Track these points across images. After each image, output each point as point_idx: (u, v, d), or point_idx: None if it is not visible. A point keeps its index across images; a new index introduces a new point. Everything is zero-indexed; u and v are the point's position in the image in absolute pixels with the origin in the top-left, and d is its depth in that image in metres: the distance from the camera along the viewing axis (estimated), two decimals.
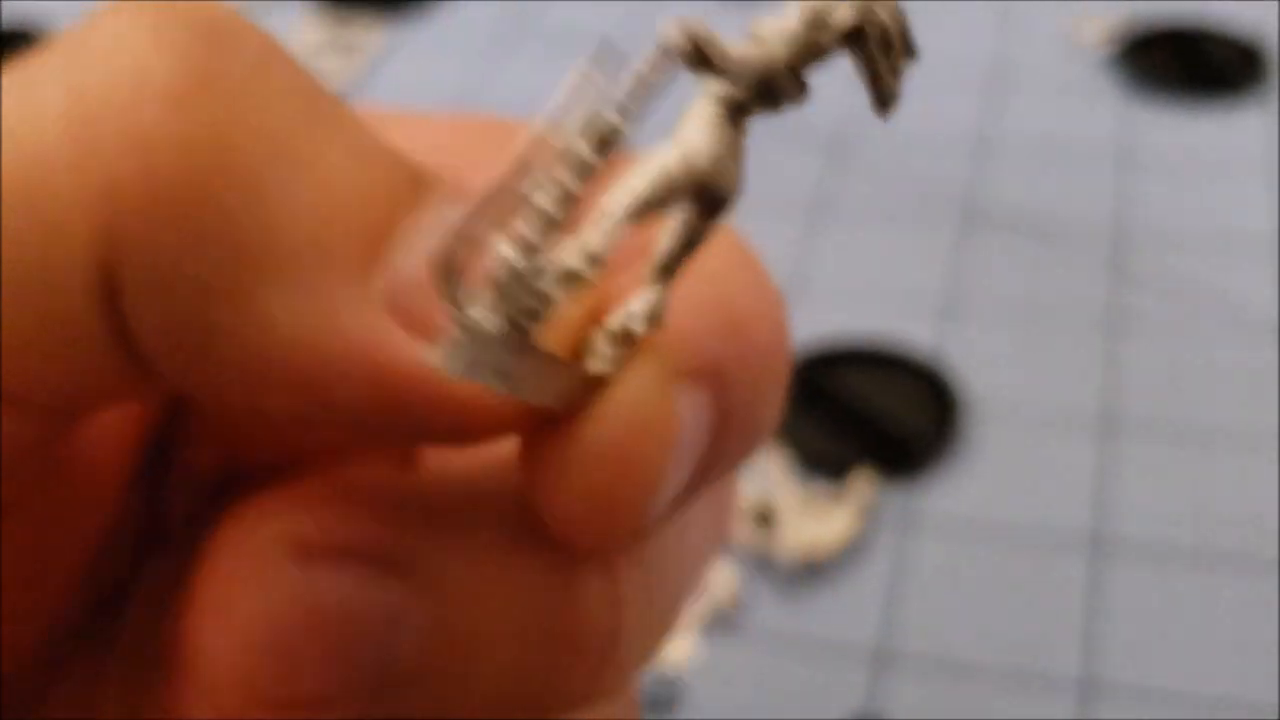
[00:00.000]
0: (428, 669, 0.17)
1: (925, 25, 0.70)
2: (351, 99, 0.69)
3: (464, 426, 0.17)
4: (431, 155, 0.19)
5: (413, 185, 0.17)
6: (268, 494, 0.17)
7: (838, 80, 0.63)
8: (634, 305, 0.17)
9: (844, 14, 0.16)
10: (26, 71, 0.15)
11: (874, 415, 0.49)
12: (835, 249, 0.57)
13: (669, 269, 0.17)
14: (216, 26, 0.16)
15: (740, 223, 0.21)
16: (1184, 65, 0.66)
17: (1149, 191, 0.59)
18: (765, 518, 0.46)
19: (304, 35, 0.73)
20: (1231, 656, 0.42)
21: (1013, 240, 0.57)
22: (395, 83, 0.70)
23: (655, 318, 0.17)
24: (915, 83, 0.62)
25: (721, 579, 0.44)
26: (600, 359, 0.16)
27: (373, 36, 0.73)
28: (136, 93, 0.15)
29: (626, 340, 0.17)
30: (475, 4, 0.76)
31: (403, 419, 0.16)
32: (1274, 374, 0.50)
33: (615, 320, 0.17)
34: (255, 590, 0.16)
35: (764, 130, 0.64)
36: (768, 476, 0.47)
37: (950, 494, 0.47)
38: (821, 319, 0.54)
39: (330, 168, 0.16)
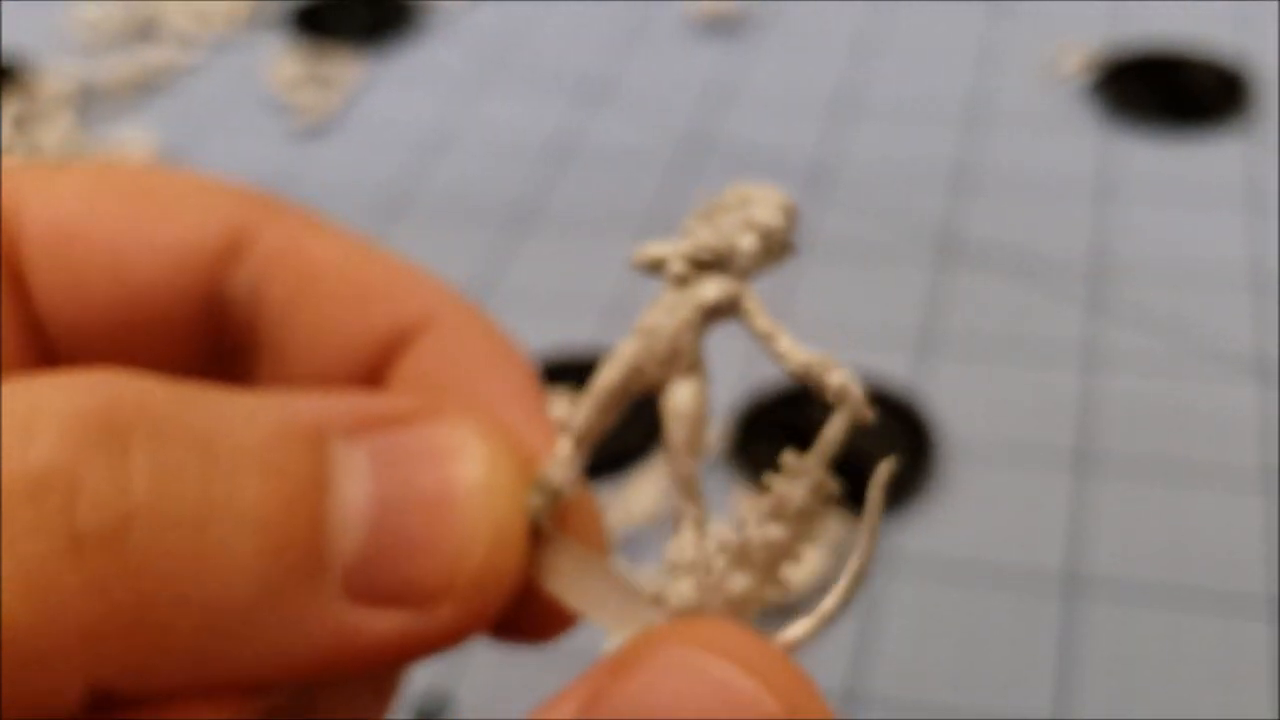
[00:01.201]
0: None
1: (902, 57, 0.70)
2: (328, 133, 0.68)
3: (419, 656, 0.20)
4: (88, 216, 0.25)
5: (315, 450, 0.19)
6: None
7: (814, 114, 0.63)
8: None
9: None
10: None
11: (848, 452, 0.48)
12: (811, 283, 0.57)
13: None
14: (121, 421, 0.18)
15: None
16: (1163, 93, 0.66)
17: (1127, 223, 0.59)
18: None
19: (281, 69, 0.72)
20: (1208, 697, 0.41)
21: (990, 274, 0.57)
22: (371, 117, 0.70)
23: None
24: (892, 115, 0.62)
25: None
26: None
27: (350, 71, 0.72)
28: (70, 554, 0.17)
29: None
30: (452, 39, 0.76)
31: (368, 671, 0.19)
32: (1252, 409, 0.50)
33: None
34: None
35: (741, 164, 0.64)
36: (736, 516, 0.46)
37: (924, 532, 0.46)
38: None
39: (243, 500, 0.18)
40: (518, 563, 0.20)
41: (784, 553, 0.20)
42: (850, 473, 0.49)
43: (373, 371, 0.25)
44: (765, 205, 0.21)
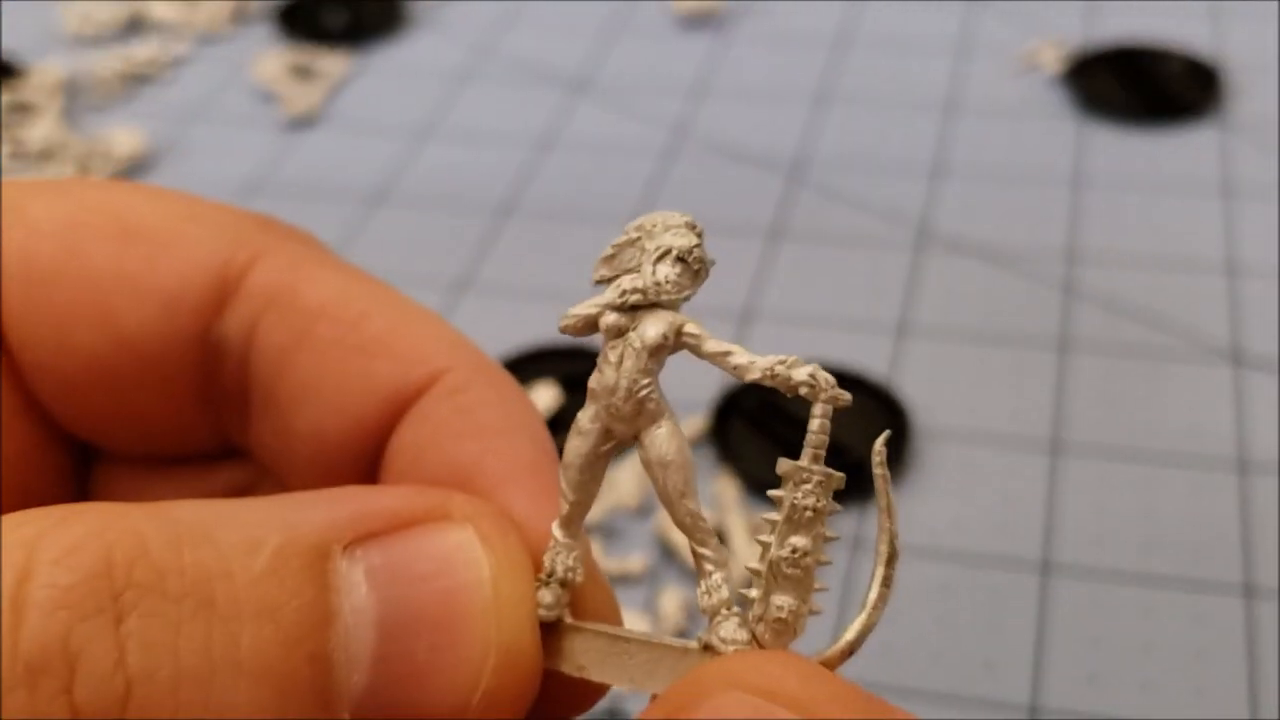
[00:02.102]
0: None
1: (881, 50, 0.71)
2: (314, 126, 0.69)
3: None
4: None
5: (316, 578, 0.18)
6: None
7: (797, 107, 0.64)
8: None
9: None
10: None
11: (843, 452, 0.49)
12: (791, 271, 0.57)
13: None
14: (114, 583, 0.17)
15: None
16: (1138, 86, 0.67)
17: (1103, 214, 0.60)
18: None
19: (267, 63, 0.73)
20: (1185, 680, 0.42)
21: (966, 263, 0.58)
22: (357, 110, 0.70)
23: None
24: (872, 107, 0.63)
25: (671, 603, 0.44)
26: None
27: (335, 64, 0.73)
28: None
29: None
30: (436, 34, 0.76)
31: None
32: (1227, 396, 0.50)
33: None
34: None
35: (723, 154, 0.64)
36: (718, 502, 0.47)
37: (903, 515, 0.47)
38: (775, 341, 0.54)
39: (243, 649, 0.17)
40: (531, 673, 0.20)
41: (814, 560, 0.20)
42: (829, 457, 0.50)
43: (375, 431, 0.24)
44: (671, 230, 0.20)
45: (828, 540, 0.20)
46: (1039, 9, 0.73)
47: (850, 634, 0.20)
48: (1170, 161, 0.62)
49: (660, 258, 0.20)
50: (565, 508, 0.21)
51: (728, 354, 0.20)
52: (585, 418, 0.21)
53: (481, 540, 0.20)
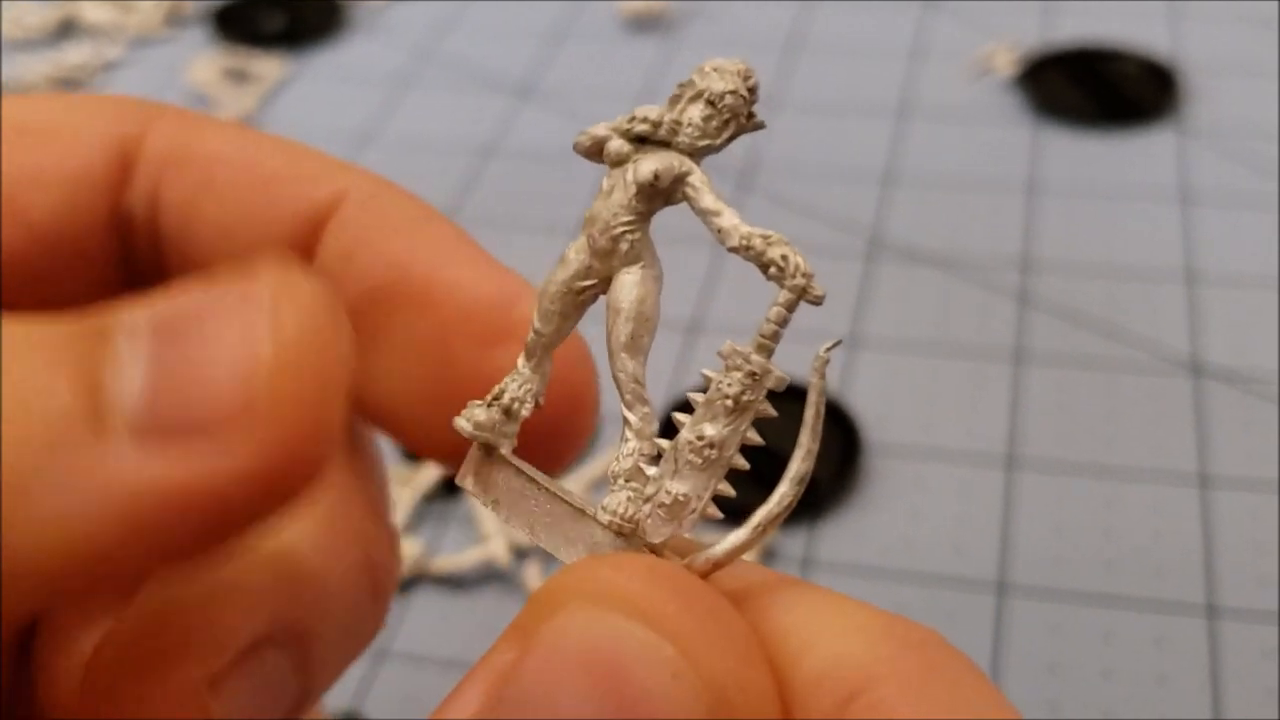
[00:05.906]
0: None
1: (832, 54, 0.69)
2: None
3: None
4: None
5: (86, 328, 0.17)
6: None
7: None
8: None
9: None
10: None
11: (775, 454, 0.47)
12: (738, 282, 0.56)
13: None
14: None
15: None
16: (1094, 89, 0.65)
17: (1059, 221, 0.58)
18: None
19: (201, 67, 0.71)
20: (1147, 707, 0.40)
21: (919, 272, 0.56)
22: (293, 114, 0.68)
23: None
24: (823, 112, 0.61)
25: None
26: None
27: (271, 68, 0.71)
28: None
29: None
30: (376, 37, 0.74)
31: (205, 530, 0.17)
32: (1187, 408, 0.49)
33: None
34: None
35: None
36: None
37: (854, 534, 0.45)
38: None
39: (9, 381, 0.16)
40: (323, 356, 0.18)
41: (723, 455, 0.18)
42: (780, 473, 0.47)
43: (295, 254, 0.24)
44: (720, 74, 0.19)
45: (749, 444, 0.18)
46: (992, 11, 0.72)
47: (723, 547, 0.18)
48: (1127, 166, 0.61)
49: (694, 98, 0.19)
50: (531, 337, 0.20)
51: (717, 214, 0.19)
52: (573, 248, 0.19)
53: (240, 265, 0.18)
